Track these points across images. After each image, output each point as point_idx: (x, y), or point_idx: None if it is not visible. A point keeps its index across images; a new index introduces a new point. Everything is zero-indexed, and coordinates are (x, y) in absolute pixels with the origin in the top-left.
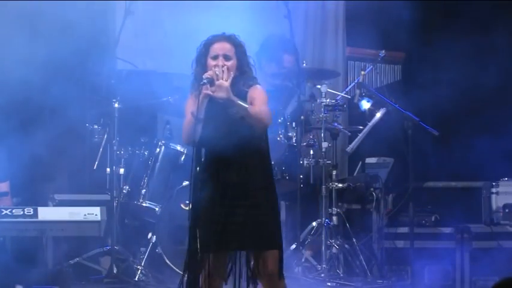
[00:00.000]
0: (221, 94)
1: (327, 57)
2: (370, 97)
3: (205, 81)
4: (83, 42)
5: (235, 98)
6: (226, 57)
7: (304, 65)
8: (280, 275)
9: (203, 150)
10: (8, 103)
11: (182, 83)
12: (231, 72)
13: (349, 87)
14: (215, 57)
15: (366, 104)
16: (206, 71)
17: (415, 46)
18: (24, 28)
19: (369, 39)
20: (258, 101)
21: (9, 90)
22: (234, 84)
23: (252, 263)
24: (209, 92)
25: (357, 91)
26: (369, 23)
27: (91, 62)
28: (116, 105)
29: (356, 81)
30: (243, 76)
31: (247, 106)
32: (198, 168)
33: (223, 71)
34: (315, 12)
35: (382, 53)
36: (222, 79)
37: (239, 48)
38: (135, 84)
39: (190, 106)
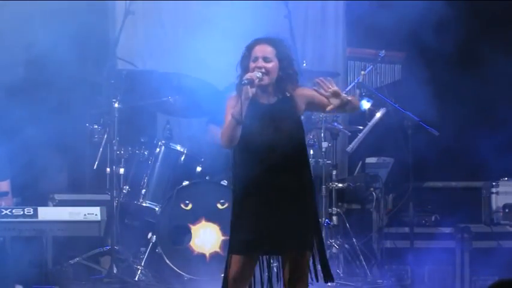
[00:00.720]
0: (337, 101)
1: (327, 58)
2: (370, 97)
3: (245, 81)
4: (83, 42)
5: (345, 96)
6: (266, 59)
7: (304, 65)
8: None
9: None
10: (8, 103)
11: (182, 83)
12: (272, 74)
13: (349, 87)
14: (255, 59)
15: (366, 104)
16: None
17: (414, 45)
18: (24, 27)
19: (370, 39)
20: (321, 97)
21: (8, 89)
22: (278, 86)
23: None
24: (250, 93)
25: (357, 91)
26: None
27: (91, 62)
28: (116, 105)
29: (356, 81)
30: (288, 78)
31: (351, 98)
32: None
33: (262, 72)
34: (315, 12)
35: (382, 53)
36: (329, 88)
37: (280, 50)
38: (135, 84)
39: (230, 108)
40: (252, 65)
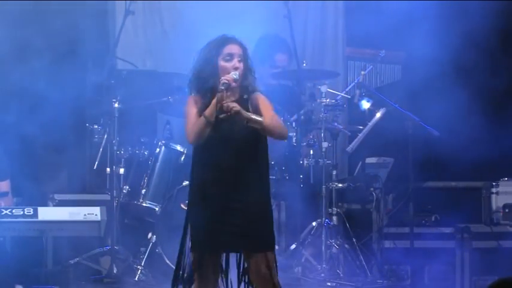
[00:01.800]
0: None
1: (327, 57)
2: (370, 97)
3: (222, 87)
4: (83, 42)
5: (247, 114)
6: (240, 59)
7: (304, 65)
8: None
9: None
10: (7, 103)
11: (182, 83)
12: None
13: (349, 87)
14: (230, 57)
15: (366, 104)
16: (216, 73)
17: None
18: (24, 27)
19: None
20: (265, 108)
21: (7, 88)
22: (241, 86)
23: (245, 264)
24: (226, 97)
25: (357, 91)
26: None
27: (91, 62)
28: (116, 105)
29: (356, 81)
30: (245, 80)
31: (261, 119)
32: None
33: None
34: (314, 12)
35: (382, 53)
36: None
37: (245, 51)
38: (135, 84)
39: (193, 106)
40: (224, 64)
